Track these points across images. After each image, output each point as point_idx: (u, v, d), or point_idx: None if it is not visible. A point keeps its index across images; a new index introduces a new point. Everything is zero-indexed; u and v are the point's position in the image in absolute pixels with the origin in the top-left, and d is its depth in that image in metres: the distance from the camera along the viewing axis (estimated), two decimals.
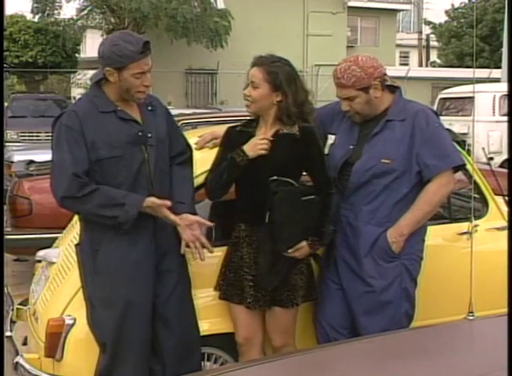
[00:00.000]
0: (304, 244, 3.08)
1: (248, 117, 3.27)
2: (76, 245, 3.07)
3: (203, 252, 2.99)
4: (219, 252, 3.22)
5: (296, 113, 3.11)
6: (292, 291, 3.12)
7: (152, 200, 2.88)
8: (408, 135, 3.17)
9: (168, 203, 2.90)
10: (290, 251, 3.06)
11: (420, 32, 36.14)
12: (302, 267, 3.14)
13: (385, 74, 3.23)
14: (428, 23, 35.95)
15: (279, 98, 3.09)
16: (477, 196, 3.69)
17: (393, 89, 3.28)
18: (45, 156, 5.95)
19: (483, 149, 7.29)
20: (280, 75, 3.07)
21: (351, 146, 3.25)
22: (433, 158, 3.16)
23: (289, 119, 3.11)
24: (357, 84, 3.15)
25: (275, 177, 3.03)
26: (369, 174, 3.18)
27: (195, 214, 3.03)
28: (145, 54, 2.87)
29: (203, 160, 3.33)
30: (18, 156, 7.99)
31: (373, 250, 3.19)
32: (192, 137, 3.52)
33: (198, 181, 3.25)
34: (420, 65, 34.60)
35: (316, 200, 3.07)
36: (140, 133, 2.95)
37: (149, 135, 2.96)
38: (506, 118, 11.25)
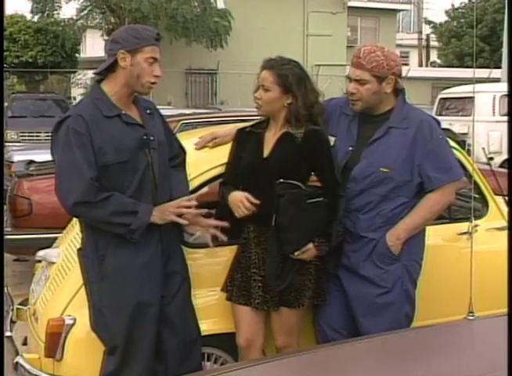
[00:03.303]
0: (310, 246, 3.07)
1: (257, 118, 3.28)
2: (78, 250, 3.04)
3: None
4: (219, 252, 3.22)
5: (305, 116, 3.11)
6: (299, 291, 3.12)
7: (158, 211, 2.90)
8: (409, 145, 3.14)
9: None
10: (296, 253, 3.06)
11: (420, 32, 36.15)
12: (310, 268, 3.13)
13: (400, 75, 3.19)
14: (428, 22, 35.95)
15: (290, 100, 3.10)
16: (477, 196, 3.69)
17: (397, 92, 3.23)
18: (45, 156, 5.94)
19: (483, 149, 7.30)
20: (290, 78, 3.08)
21: (350, 148, 3.22)
22: (435, 171, 3.15)
23: (297, 121, 3.11)
24: (375, 69, 3.11)
25: (281, 180, 3.04)
26: (367, 181, 3.15)
27: None
28: (158, 42, 2.93)
29: (202, 161, 3.34)
30: (18, 156, 7.98)
31: (372, 253, 3.18)
32: (192, 137, 3.53)
33: (198, 181, 3.25)
34: (420, 65, 34.60)
35: (323, 203, 3.06)
36: (144, 137, 2.93)
37: (152, 138, 2.95)
38: (506, 118, 11.26)
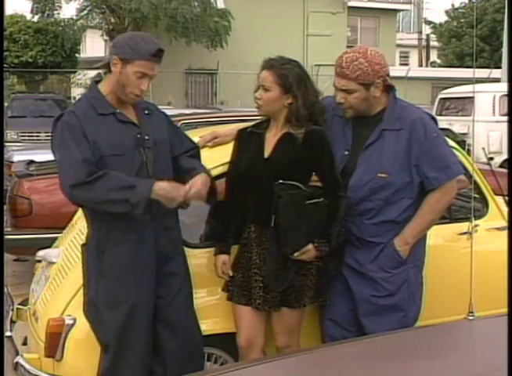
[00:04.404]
0: (310, 246, 3.06)
1: (257, 118, 3.28)
2: (82, 245, 3.05)
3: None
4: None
5: (305, 116, 3.10)
6: (300, 291, 3.11)
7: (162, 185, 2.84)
8: (404, 146, 3.10)
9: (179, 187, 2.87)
10: (296, 254, 3.05)
11: (420, 32, 36.16)
12: (311, 268, 3.13)
13: (388, 75, 3.14)
14: (428, 22, 35.95)
15: (290, 100, 3.09)
16: (477, 196, 3.69)
17: (387, 89, 3.18)
18: (45, 156, 5.96)
19: (483, 149, 7.28)
20: (290, 77, 3.07)
21: (346, 152, 3.19)
22: (433, 170, 3.10)
23: (298, 121, 3.10)
24: (360, 78, 3.05)
25: (280, 181, 3.03)
26: (366, 189, 3.12)
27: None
28: (156, 59, 2.88)
29: (202, 160, 3.34)
30: (18, 156, 7.98)
31: (379, 256, 3.16)
32: (192, 137, 3.52)
33: None
34: (420, 65, 34.60)
35: (323, 203, 3.05)
36: (138, 135, 2.94)
37: (147, 137, 2.95)
38: (506, 118, 11.26)
